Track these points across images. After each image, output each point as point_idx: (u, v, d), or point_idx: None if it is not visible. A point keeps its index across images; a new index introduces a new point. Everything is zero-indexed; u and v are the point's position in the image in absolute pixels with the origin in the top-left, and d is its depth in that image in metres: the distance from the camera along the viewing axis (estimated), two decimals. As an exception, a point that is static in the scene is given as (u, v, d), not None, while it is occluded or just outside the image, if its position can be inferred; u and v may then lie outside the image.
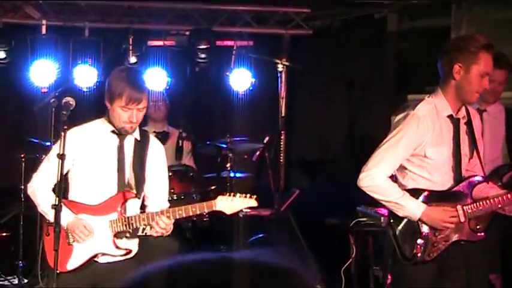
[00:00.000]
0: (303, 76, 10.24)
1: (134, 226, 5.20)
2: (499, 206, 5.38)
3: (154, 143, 5.53)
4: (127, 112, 5.14)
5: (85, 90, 8.71)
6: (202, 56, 9.32)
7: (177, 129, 8.76)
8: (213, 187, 8.58)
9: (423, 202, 5.34)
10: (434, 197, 5.38)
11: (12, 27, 9.24)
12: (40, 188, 5.30)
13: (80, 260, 5.13)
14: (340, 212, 7.94)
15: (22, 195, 7.66)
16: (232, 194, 5.57)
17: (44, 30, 9.26)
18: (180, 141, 8.58)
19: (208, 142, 8.73)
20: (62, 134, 4.93)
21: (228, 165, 8.42)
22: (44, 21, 9.28)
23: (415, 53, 9.96)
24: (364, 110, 9.85)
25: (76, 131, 5.32)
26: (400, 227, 5.50)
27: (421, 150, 5.35)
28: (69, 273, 5.14)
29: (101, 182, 5.20)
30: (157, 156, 5.49)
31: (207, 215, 8.33)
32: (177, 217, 5.26)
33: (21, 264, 8.31)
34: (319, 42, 10.10)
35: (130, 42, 9.34)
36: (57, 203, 4.85)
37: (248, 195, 5.61)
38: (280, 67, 9.54)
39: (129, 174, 5.33)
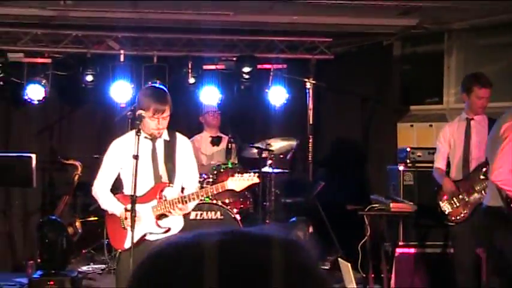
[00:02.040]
0: (327, 92, 10.18)
1: (171, 208, 5.29)
2: None
3: (181, 140, 5.53)
4: (154, 121, 5.18)
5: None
6: (246, 77, 9.41)
7: (226, 135, 8.83)
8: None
9: None
10: None
11: (97, 56, 9.35)
12: (100, 191, 5.43)
13: (131, 239, 5.17)
14: (357, 200, 7.92)
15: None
16: (240, 173, 5.64)
17: (122, 58, 9.41)
18: (229, 145, 8.59)
19: (251, 145, 8.69)
20: (136, 138, 5.07)
21: (268, 162, 8.46)
22: (122, 51, 9.43)
23: (415, 73, 10.02)
24: (374, 119, 9.83)
25: (119, 142, 5.45)
26: None
27: None
28: (127, 251, 5.24)
29: (143, 177, 5.22)
30: (185, 150, 5.51)
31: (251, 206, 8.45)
32: (200, 198, 5.38)
33: (106, 242, 8.47)
34: (339, 65, 10.06)
35: (189, 67, 9.46)
36: (133, 194, 5.04)
37: (253, 173, 5.66)
38: (308, 85, 9.74)
39: (162, 168, 5.36)
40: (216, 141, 8.95)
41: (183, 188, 5.47)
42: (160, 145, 5.39)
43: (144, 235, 5.31)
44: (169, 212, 5.33)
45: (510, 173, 5.53)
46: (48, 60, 9.34)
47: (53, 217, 8.03)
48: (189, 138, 8.68)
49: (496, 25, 8.80)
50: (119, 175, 5.44)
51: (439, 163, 7.01)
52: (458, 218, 6.75)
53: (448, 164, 7.03)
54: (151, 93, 5.32)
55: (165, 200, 5.32)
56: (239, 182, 5.52)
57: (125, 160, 5.32)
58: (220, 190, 5.60)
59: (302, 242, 1.17)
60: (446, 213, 6.80)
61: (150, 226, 5.33)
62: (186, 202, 5.30)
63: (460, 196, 6.75)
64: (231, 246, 1.12)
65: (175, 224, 5.45)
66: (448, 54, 9.29)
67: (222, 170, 8.18)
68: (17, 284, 7.95)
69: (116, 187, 5.52)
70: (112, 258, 8.31)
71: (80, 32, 9.19)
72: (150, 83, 8.83)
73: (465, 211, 6.71)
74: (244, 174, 5.60)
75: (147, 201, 5.30)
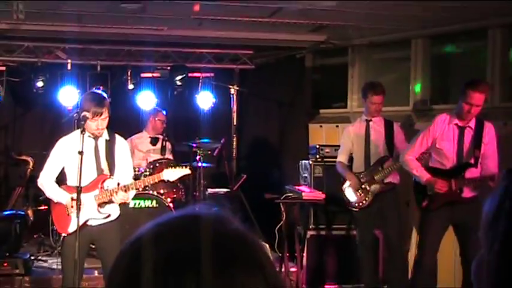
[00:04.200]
0: (249, 97, 10.27)
1: (111, 196, 5.37)
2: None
3: (119, 141, 5.59)
4: (94, 122, 5.23)
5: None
6: (179, 83, 9.36)
7: (161, 135, 8.82)
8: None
9: (433, 176, 6.08)
10: (439, 173, 6.10)
11: (47, 65, 9.26)
12: (46, 182, 5.45)
13: (77, 224, 5.19)
14: (274, 189, 7.76)
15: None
16: (173, 166, 5.74)
17: (69, 67, 9.33)
18: (164, 143, 8.65)
19: (183, 143, 8.71)
20: (81, 136, 5.12)
21: (197, 158, 8.48)
22: (69, 61, 9.35)
23: (324, 82, 10.02)
24: (289, 121, 9.80)
25: (64, 140, 5.47)
26: (417, 189, 6.24)
27: (434, 143, 6.13)
28: (71, 235, 5.28)
29: (86, 170, 5.23)
30: (123, 149, 5.58)
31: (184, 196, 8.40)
32: (138, 187, 5.44)
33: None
34: (260, 74, 10.12)
35: (129, 75, 9.48)
36: (78, 185, 5.10)
37: (184, 165, 5.80)
38: (232, 91, 10.01)
39: (104, 163, 5.43)
40: (154, 141, 8.92)
41: (118, 183, 5.50)
42: (102, 143, 5.48)
43: (87, 220, 5.40)
44: (111, 199, 5.40)
45: (408, 157, 6.21)
46: (3, 68, 9.34)
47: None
48: (128, 136, 8.58)
49: (390, 42, 8.85)
50: (63, 169, 5.47)
51: (342, 158, 7.21)
52: (361, 204, 6.92)
53: (351, 159, 7.19)
54: (91, 98, 5.35)
55: (106, 189, 5.41)
56: (173, 172, 5.65)
57: (69, 156, 5.37)
58: (157, 180, 5.72)
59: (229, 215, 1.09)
60: (351, 200, 6.99)
61: (93, 212, 5.43)
62: (126, 191, 5.37)
63: (363, 186, 6.90)
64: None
65: (113, 211, 5.57)
66: (351, 65, 9.28)
67: (157, 165, 8.19)
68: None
69: (60, 179, 5.52)
70: (58, 242, 8.13)
71: (32, 43, 9.15)
72: (94, 88, 8.79)
73: (367, 198, 6.89)
74: (177, 167, 5.72)
75: (90, 190, 5.37)
